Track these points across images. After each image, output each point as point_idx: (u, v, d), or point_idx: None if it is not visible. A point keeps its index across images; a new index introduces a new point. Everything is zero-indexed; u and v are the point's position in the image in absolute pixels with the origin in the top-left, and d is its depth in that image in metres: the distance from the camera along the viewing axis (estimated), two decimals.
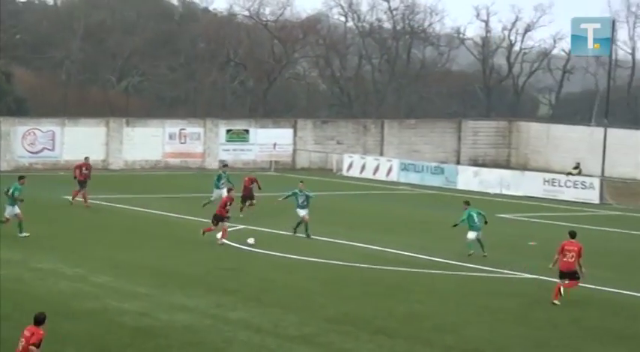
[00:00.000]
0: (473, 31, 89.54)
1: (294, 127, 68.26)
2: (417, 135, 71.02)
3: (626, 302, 27.62)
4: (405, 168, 62.09)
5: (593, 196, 54.20)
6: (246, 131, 66.60)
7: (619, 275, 31.91)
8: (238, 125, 66.85)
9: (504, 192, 56.58)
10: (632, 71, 79.74)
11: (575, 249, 26.73)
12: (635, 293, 28.39)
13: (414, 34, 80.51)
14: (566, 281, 26.72)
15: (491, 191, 56.55)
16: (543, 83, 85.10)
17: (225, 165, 46.36)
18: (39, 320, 17.32)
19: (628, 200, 54.50)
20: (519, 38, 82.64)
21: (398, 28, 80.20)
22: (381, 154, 68.19)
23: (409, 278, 30.13)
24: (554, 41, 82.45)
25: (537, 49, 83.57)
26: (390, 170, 62.53)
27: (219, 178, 43.06)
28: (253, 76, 76.66)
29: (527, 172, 60.26)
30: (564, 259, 26.70)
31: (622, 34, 78.58)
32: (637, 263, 34.99)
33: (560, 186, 55.22)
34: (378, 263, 32.00)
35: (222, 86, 75.60)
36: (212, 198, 41.86)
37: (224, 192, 40.28)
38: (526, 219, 46.06)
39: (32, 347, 16.98)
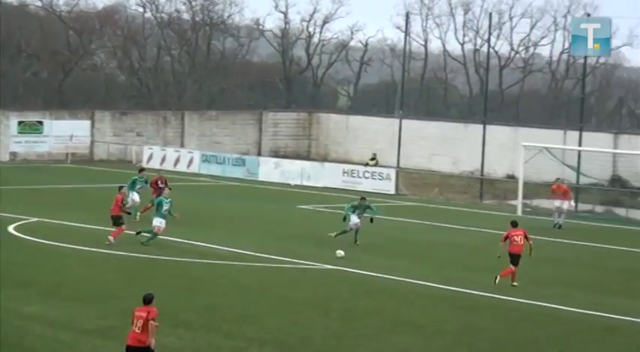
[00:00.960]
0: (272, 22, 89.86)
1: (92, 119, 67.00)
2: (219, 126, 70.90)
3: (421, 292, 28.26)
4: (206, 159, 61.92)
5: (389, 187, 55.31)
6: (40, 122, 64.90)
7: (415, 265, 32.62)
8: (31, 117, 65.08)
9: (305, 183, 57.09)
10: (425, 63, 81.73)
11: (521, 233, 29.56)
12: (428, 283, 29.06)
13: (213, 25, 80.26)
14: (512, 267, 29.21)
15: (292, 182, 57.00)
16: (342, 74, 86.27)
17: (142, 170, 43.82)
18: (148, 300, 18.20)
19: (421, 191, 55.88)
20: (318, 30, 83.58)
21: (197, 19, 79.78)
22: (182, 146, 67.76)
23: (211, 270, 30.02)
24: (352, 33, 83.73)
25: (335, 40, 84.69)
26: (191, 162, 62.26)
27: (134, 183, 40.37)
28: (47, 68, 74.75)
29: (327, 163, 61.03)
30: (514, 243, 29.37)
31: (415, 27, 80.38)
32: (431, 253, 35.89)
33: (359, 177, 56.15)
34: (181, 255, 31.76)
35: (14, 78, 73.36)
36: (127, 205, 39.91)
37: (137, 197, 38.75)
38: (326, 210, 46.59)
39: (153, 322, 17.81)
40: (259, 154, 68.79)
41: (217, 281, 28.26)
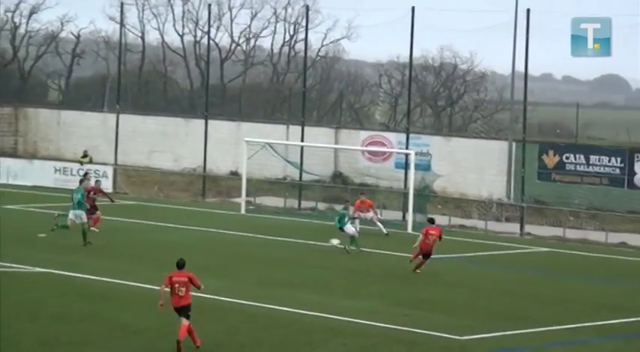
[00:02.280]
0: None
1: None
2: None
3: (140, 295, 27.86)
4: None
5: (106, 185, 54.37)
6: None
7: (133, 267, 32.23)
8: None
9: (12, 182, 55.45)
10: (142, 55, 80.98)
11: (436, 233, 32.63)
12: (147, 286, 28.62)
13: None
14: (422, 258, 32.68)
15: None
16: (52, 67, 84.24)
17: (86, 173, 42.02)
18: (182, 265, 22.31)
19: (140, 189, 55.38)
20: (24, 20, 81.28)
21: None
22: None
23: None
24: (62, 24, 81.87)
25: (44, 31, 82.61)
26: None
27: (79, 193, 37.48)
28: None
29: (36, 161, 59.51)
30: (426, 241, 32.47)
31: (131, 18, 79.37)
32: (151, 254, 35.52)
33: (73, 175, 54.92)
34: None
35: None
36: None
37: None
38: (35, 209, 45.30)
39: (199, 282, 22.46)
40: None
41: None
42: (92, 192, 39.73)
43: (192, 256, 34.67)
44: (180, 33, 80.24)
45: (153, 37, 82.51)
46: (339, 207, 43.18)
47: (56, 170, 55.78)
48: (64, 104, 78.66)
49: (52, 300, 26.28)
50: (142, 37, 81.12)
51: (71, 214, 36.19)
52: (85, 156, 58.28)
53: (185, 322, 21.83)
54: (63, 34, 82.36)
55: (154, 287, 28.40)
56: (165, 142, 64.88)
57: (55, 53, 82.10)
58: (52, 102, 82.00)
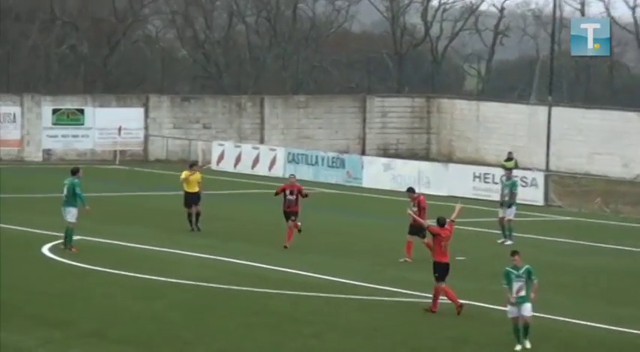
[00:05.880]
0: None
1: (146, 106, 67.53)
2: (309, 116, 70.93)
3: (587, 335, 27.70)
4: (293, 159, 62.25)
5: (536, 196, 54.63)
6: (81, 111, 65.58)
7: (574, 300, 32.17)
8: (69, 103, 65.77)
9: (424, 190, 56.57)
10: None
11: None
12: (591, 323, 28.42)
13: None
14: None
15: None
16: (470, 49, 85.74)
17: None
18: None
19: (579, 201, 55.09)
20: None
21: None
22: (262, 142, 67.97)
23: (303, 304, 29.89)
24: None
25: (461, 4, 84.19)
26: (273, 162, 62.67)
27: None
28: (88, 39, 75.58)
29: (451, 165, 60.60)
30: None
31: None
32: (595, 283, 35.31)
33: (495, 182, 55.39)
34: (261, 285, 31.70)
35: (46, 52, 74.32)
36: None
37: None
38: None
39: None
40: (363, 153, 68.66)
41: (311, 319, 28.10)
42: (289, 191, 37.87)
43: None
44: (631, 4, 79.34)
45: (595, 11, 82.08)
46: None
47: (475, 176, 56.47)
48: (483, 94, 79.77)
49: (477, 339, 26.61)
50: (582, 11, 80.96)
51: None
52: (509, 159, 58.75)
53: None
54: (483, 7, 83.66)
55: (598, 325, 28.21)
56: (612, 142, 64.38)
57: (474, 30, 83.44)
58: (470, 92, 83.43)
